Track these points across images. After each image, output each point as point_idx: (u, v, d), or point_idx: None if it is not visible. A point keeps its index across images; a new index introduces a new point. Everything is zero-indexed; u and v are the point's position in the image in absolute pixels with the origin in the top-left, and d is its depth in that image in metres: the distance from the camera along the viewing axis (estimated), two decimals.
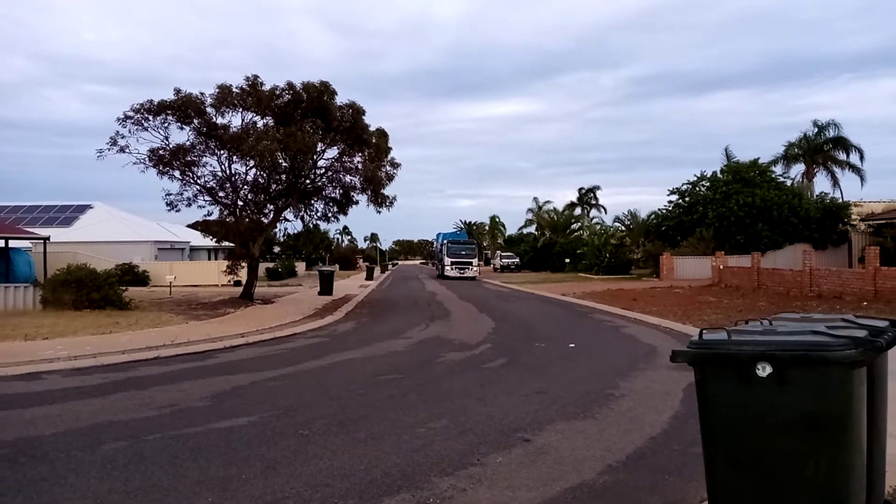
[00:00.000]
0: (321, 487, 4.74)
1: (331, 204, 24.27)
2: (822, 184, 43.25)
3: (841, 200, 38.65)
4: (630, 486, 4.77)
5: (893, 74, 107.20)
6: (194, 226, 47.76)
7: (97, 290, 18.40)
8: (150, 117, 20.40)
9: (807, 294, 22.07)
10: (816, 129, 42.21)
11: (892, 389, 6.85)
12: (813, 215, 35.45)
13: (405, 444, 5.82)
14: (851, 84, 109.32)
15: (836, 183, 43.25)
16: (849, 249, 34.61)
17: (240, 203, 22.75)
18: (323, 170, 22.94)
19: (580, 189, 74.57)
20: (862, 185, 42.91)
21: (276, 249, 57.04)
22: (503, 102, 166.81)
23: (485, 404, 7.37)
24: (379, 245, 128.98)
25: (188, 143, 21.16)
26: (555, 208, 71.29)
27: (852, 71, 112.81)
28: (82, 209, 42.09)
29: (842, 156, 42.65)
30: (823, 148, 42.51)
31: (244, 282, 24.15)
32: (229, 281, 27.49)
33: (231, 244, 25.07)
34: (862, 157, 42.02)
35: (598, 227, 59.77)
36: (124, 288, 20.48)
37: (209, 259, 44.00)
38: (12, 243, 23.46)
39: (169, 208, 22.42)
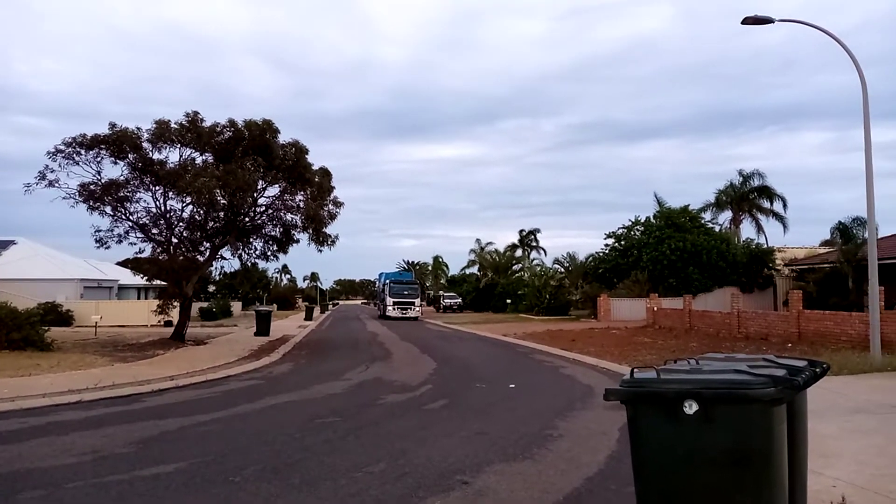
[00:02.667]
0: None
1: (270, 242, 23.88)
2: (748, 230, 45.47)
3: (766, 246, 40.68)
4: None
5: (814, 127, 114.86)
6: (124, 263, 46.09)
7: (17, 329, 17.38)
8: (83, 151, 19.79)
9: (735, 335, 22.94)
10: (742, 178, 44.53)
11: (811, 427, 7.17)
12: (740, 260, 37.14)
13: (342, 489, 5.68)
14: (775, 136, 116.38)
15: (760, 229, 45.55)
16: (774, 293, 36.31)
17: (174, 240, 22.13)
18: (263, 207, 22.62)
19: (521, 231, 75.87)
20: (785, 231, 45.35)
21: (212, 288, 55.42)
22: (447, 145, 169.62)
23: (424, 447, 7.30)
24: (319, 284, 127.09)
25: (122, 178, 20.60)
26: (497, 249, 72.17)
27: (776, 123, 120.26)
28: (5, 245, 39.99)
29: (766, 204, 45.03)
30: (749, 196, 44.80)
31: (175, 322, 23.31)
32: (159, 321, 26.46)
33: (163, 283, 24.24)
34: (785, 206, 44.50)
35: (539, 268, 60.74)
36: (47, 328, 19.42)
37: (139, 298, 42.34)
38: None
39: (98, 245, 21.65)
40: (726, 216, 46.15)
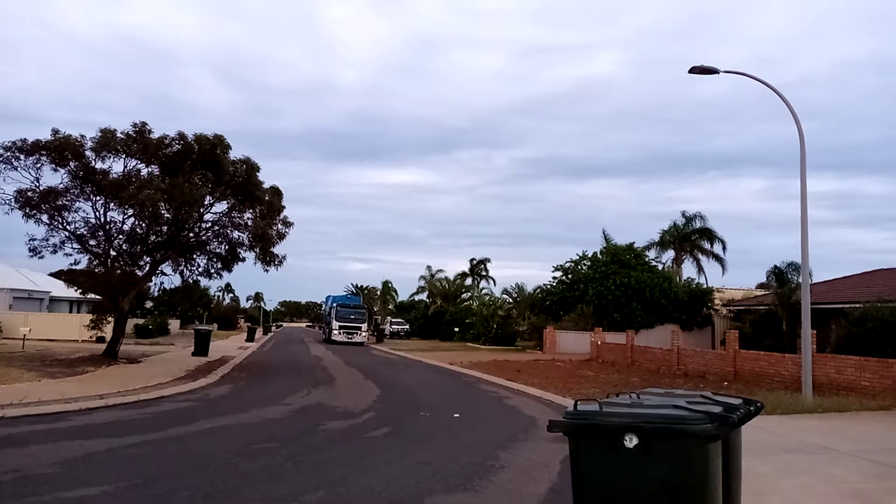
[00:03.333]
0: None
1: (215, 259, 23.28)
2: (689, 270, 46.89)
3: (706, 286, 42.00)
4: None
5: (753, 174, 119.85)
6: (58, 274, 44.22)
7: None
8: (22, 157, 19.03)
9: (675, 372, 23.48)
10: (685, 220, 46.08)
11: (745, 465, 7.35)
12: (681, 298, 38.22)
13: None
14: (717, 180, 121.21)
15: (700, 269, 47.05)
16: (712, 332, 37.40)
17: (112, 253, 21.36)
18: (210, 224, 22.11)
19: (472, 260, 76.29)
20: (723, 272, 46.89)
21: (149, 305, 53.51)
22: (401, 171, 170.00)
23: (365, 475, 7.16)
24: (263, 305, 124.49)
25: (61, 186, 19.84)
26: (447, 277, 72.30)
27: (718, 168, 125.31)
28: None
29: (707, 245, 46.64)
30: (691, 237, 46.34)
31: (108, 338, 22.37)
32: (91, 337, 25.35)
33: (98, 296, 23.31)
34: (724, 248, 46.15)
35: (488, 297, 61.12)
36: None
37: (71, 311, 40.54)
38: None
39: (32, 254, 20.73)
40: (669, 255, 47.57)
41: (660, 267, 42.91)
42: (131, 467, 7.13)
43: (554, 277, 43.54)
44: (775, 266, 30.35)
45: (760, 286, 41.53)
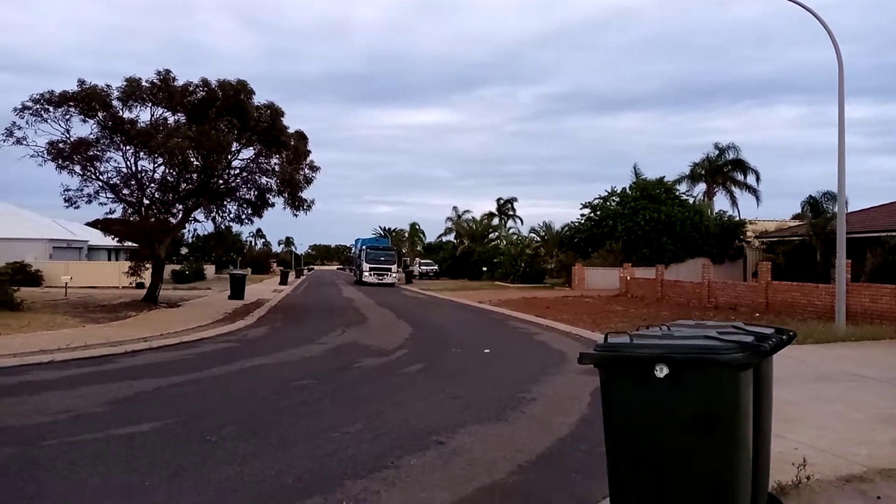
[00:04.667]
0: (230, 493, 4.63)
1: (245, 206, 23.57)
2: (721, 202, 46.08)
3: (738, 219, 41.33)
4: (538, 484, 4.94)
5: (789, 102, 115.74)
6: (94, 224, 45.20)
7: None
8: (51, 108, 19.23)
9: (705, 305, 23.42)
10: (717, 152, 44.98)
11: (776, 393, 7.40)
12: (712, 231, 37.73)
13: (318, 448, 5.76)
14: (751, 110, 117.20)
15: (733, 202, 46.19)
16: (744, 264, 37.02)
17: (146, 201, 21.74)
18: (238, 170, 22.29)
19: (498, 200, 75.92)
20: (758, 204, 46.04)
21: (184, 251, 54.69)
22: (424, 111, 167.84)
23: (400, 409, 7.40)
24: (294, 249, 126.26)
25: (91, 136, 20.07)
26: (473, 218, 72.16)
27: (752, 97, 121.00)
28: None
29: (740, 177, 45.61)
30: (724, 169, 45.32)
31: (148, 284, 23.05)
32: (131, 283, 26.14)
33: (134, 244, 23.90)
34: (758, 179, 45.11)
35: (515, 237, 61.01)
36: (16, 288, 19.10)
37: (109, 259, 41.70)
38: None
39: (67, 205, 21.19)
40: (701, 188, 46.73)
41: (691, 201, 42.24)
42: (177, 405, 7.48)
43: (582, 214, 43.24)
44: (810, 196, 29.69)
45: (795, 217, 40.71)
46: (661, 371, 2.91)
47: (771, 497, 3.96)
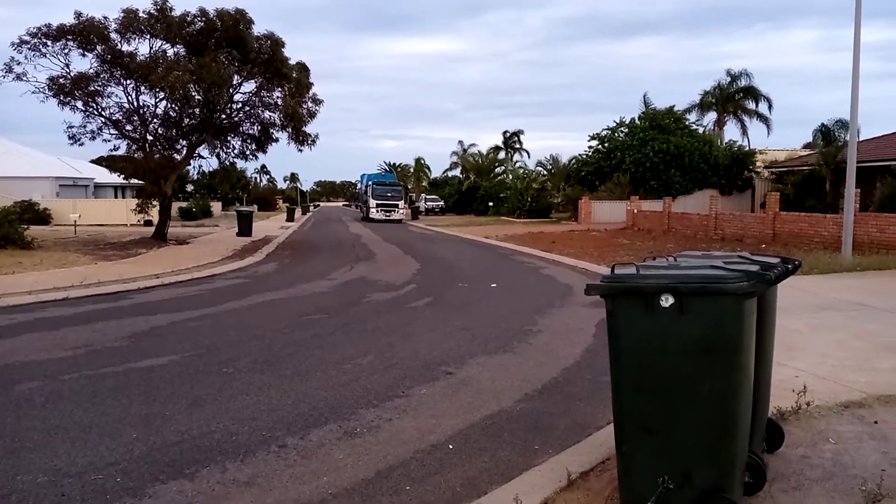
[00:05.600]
0: (248, 421, 4.82)
1: (249, 141, 23.39)
2: (732, 132, 45.32)
3: (748, 148, 40.70)
4: (544, 411, 5.11)
5: (804, 25, 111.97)
6: (99, 161, 45.12)
7: None
8: (49, 42, 18.89)
9: (712, 237, 23.43)
10: (730, 78, 43.89)
11: (780, 323, 7.51)
12: (722, 162, 37.27)
13: (332, 379, 5.94)
14: (766, 33, 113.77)
15: (744, 131, 45.44)
16: (752, 195, 36.75)
17: (149, 138, 21.61)
18: (240, 105, 22.03)
19: (505, 132, 74.99)
20: (769, 133, 45.35)
21: (190, 188, 54.72)
22: (428, 39, 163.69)
23: (410, 341, 7.57)
24: (300, 185, 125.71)
25: (91, 71, 19.77)
26: (479, 151, 71.29)
27: (767, 20, 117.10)
28: None
29: (751, 105, 44.69)
30: (735, 97, 44.34)
31: (156, 221, 23.19)
32: (139, 220, 26.30)
33: (140, 181, 23.90)
34: (770, 107, 44.21)
35: (522, 171, 60.54)
36: (26, 226, 19.27)
37: (116, 197, 41.75)
38: None
39: (71, 142, 21.17)
40: (711, 117, 45.89)
41: (700, 130, 41.53)
42: (193, 339, 7.67)
43: (590, 147, 42.70)
44: (822, 124, 29.14)
45: (806, 146, 40.10)
46: (667, 301, 2.96)
47: (770, 422, 4.09)
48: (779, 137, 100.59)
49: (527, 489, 3.56)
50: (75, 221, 25.95)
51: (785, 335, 7.19)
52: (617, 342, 3.17)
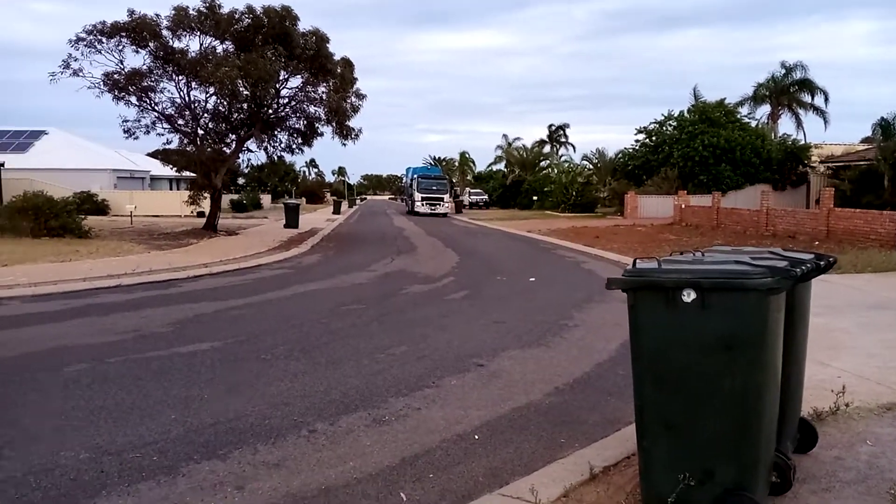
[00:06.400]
0: (281, 406, 4.96)
1: (295, 135, 23.83)
2: (786, 125, 43.88)
3: (803, 143, 39.29)
4: (574, 405, 5.09)
5: (862, 16, 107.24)
6: (154, 154, 46.46)
7: (55, 217, 18.05)
8: (104, 39, 19.58)
9: (762, 233, 22.76)
10: (784, 71, 42.36)
11: (826, 322, 7.28)
12: (775, 157, 36.08)
13: (364, 368, 6.05)
14: (821, 25, 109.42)
15: (799, 124, 43.82)
16: (807, 191, 35.50)
17: (200, 132, 22.22)
18: (286, 99, 22.42)
19: (550, 126, 74.14)
20: (825, 127, 43.70)
21: (241, 181, 55.98)
22: (473, 34, 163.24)
23: (444, 333, 7.64)
24: (347, 179, 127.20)
25: (144, 67, 20.44)
26: (524, 145, 70.76)
27: (823, 11, 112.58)
28: (37, 135, 40.52)
29: (807, 98, 43.05)
30: (789, 90, 42.80)
31: (207, 213, 23.87)
32: (192, 212, 27.11)
33: (192, 174, 24.63)
34: (826, 100, 42.50)
35: (567, 164, 59.80)
36: (83, 216, 20.11)
37: (170, 189, 43.06)
38: None
39: (126, 135, 21.91)
40: (764, 111, 44.41)
41: (753, 124, 40.26)
42: (235, 326, 7.91)
43: (637, 140, 41.91)
44: (882, 118, 27.94)
45: (864, 141, 38.48)
46: (689, 296, 2.93)
47: (803, 421, 3.99)
48: (836, 132, 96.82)
49: (547, 481, 3.57)
50: (131, 212, 26.92)
51: (830, 334, 6.98)
52: (638, 337, 3.15)
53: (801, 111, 43.44)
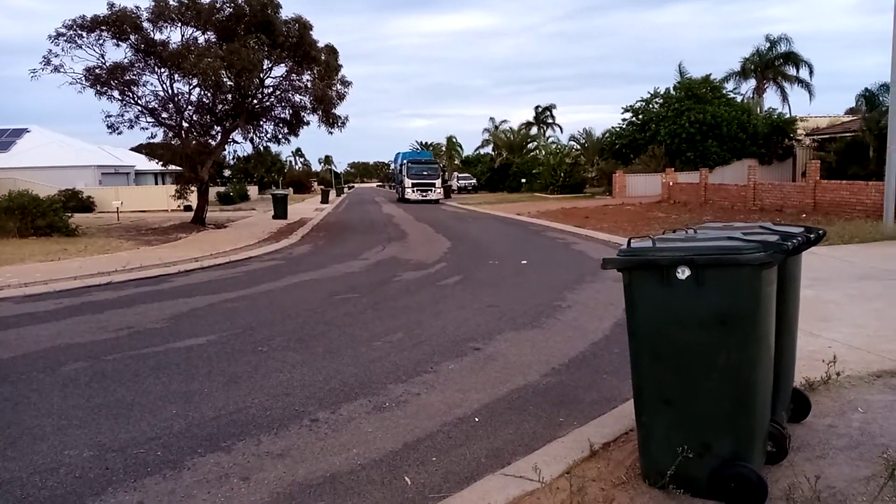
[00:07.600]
0: (282, 397, 4.99)
1: (281, 125, 23.69)
2: (771, 99, 44.06)
3: (788, 116, 39.48)
4: (571, 385, 5.16)
5: None
6: (138, 149, 46.12)
7: (42, 216, 17.89)
8: (84, 34, 19.33)
9: (750, 208, 22.93)
10: (769, 44, 42.50)
11: (815, 294, 7.37)
12: (761, 131, 36.25)
13: (362, 356, 6.09)
14: None
15: (784, 98, 44.07)
16: (793, 164, 35.73)
17: (185, 124, 22.05)
18: (271, 89, 22.26)
19: (537, 107, 74.13)
20: (811, 100, 44.10)
21: (227, 173, 55.68)
22: (456, 15, 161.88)
23: (439, 318, 7.68)
24: (334, 168, 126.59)
25: (126, 60, 20.22)
26: (511, 128, 70.68)
27: None
28: (18, 133, 40.00)
29: (792, 71, 43.26)
30: (774, 63, 42.96)
31: (194, 206, 23.74)
32: (179, 206, 26.94)
33: (178, 168, 24.45)
34: (811, 72, 42.72)
35: (554, 146, 59.81)
36: (70, 214, 19.94)
37: (156, 183, 42.73)
38: None
39: (110, 130, 21.76)
40: (750, 85, 44.62)
41: (739, 99, 40.40)
42: (230, 319, 7.91)
43: (623, 119, 41.95)
44: (866, 88, 28.15)
45: (849, 112, 38.72)
46: (683, 273, 2.97)
47: (796, 392, 4.07)
48: (821, 104, 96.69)
49: (549, 459, 3.64)
50: (118, 208, 26.71)
51: (820, 305, 7.09)
52: (634, 315, 3.20)
53: (786, 84, 43.69)
